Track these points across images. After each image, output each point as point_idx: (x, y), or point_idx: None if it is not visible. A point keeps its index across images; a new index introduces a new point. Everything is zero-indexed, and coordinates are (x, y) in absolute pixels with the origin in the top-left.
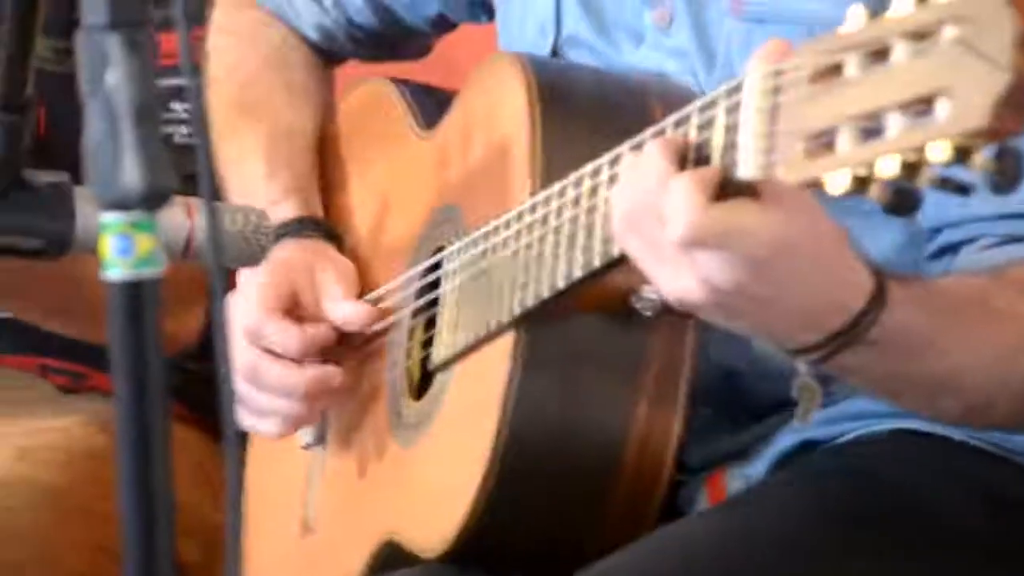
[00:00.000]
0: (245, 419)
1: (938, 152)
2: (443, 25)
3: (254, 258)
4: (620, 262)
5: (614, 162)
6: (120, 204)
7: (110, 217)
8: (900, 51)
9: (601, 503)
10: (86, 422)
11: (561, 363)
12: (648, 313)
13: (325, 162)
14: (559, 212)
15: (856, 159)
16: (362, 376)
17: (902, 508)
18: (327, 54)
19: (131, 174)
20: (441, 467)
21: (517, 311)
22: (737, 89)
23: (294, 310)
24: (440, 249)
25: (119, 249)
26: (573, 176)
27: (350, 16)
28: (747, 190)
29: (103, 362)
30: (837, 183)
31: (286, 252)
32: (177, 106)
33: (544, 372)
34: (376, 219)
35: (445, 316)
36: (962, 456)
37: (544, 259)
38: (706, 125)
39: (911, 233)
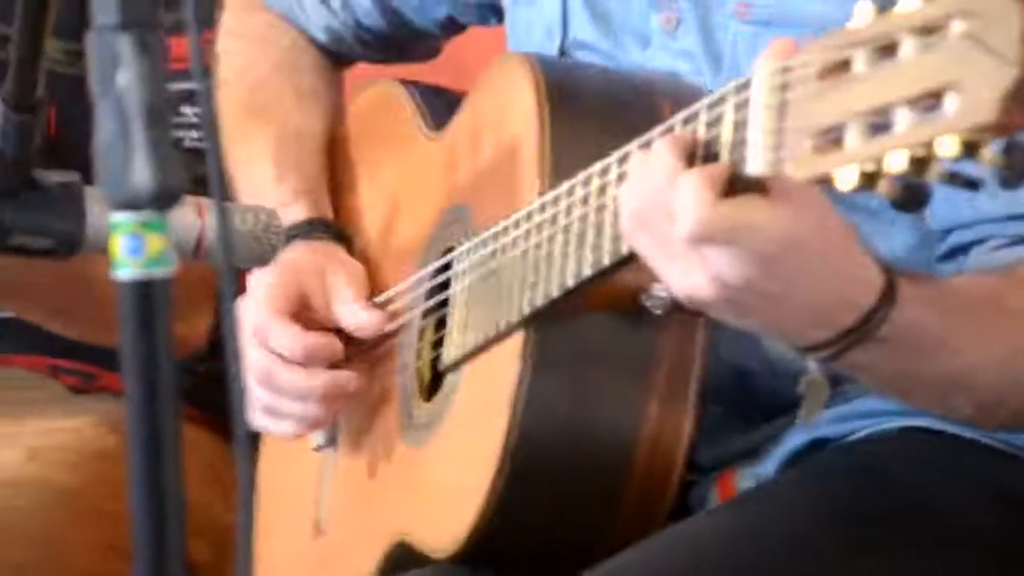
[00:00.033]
0: (259, 421)
1: (946, 147)
2: (452, 28)
3: (265, 258)
4: (629, 260)
5: (623, 160)
6: (130, 204)
7: (121, 217)
8: (908, 46)
9: (612, 503)
10: (97, 422)
11: (571, 362)
12: (658, 311)
13: (334, 164)
14: (568, 211)
15: (864, 155)
16: (373, 378)
17: (911, 506)
18: (336, 56)
19: (141, 174)
20: (452, 468)
21: (527, 310)
22: (745, 86)
23: (303, 312)
24: (450, 250)
25: (130, 249)
26: (582, 175)
27: (358, 18)
28: (756, 186)
29: (113, 362)
30: (845, 179)
31: (296, 254)
32: (187, 110)
33: (554, 371)
34: (385, 220)
35: (455, 316)
36: (972, 454)
37: (553, 258)
38: (715, 122)
39: (922, 234)
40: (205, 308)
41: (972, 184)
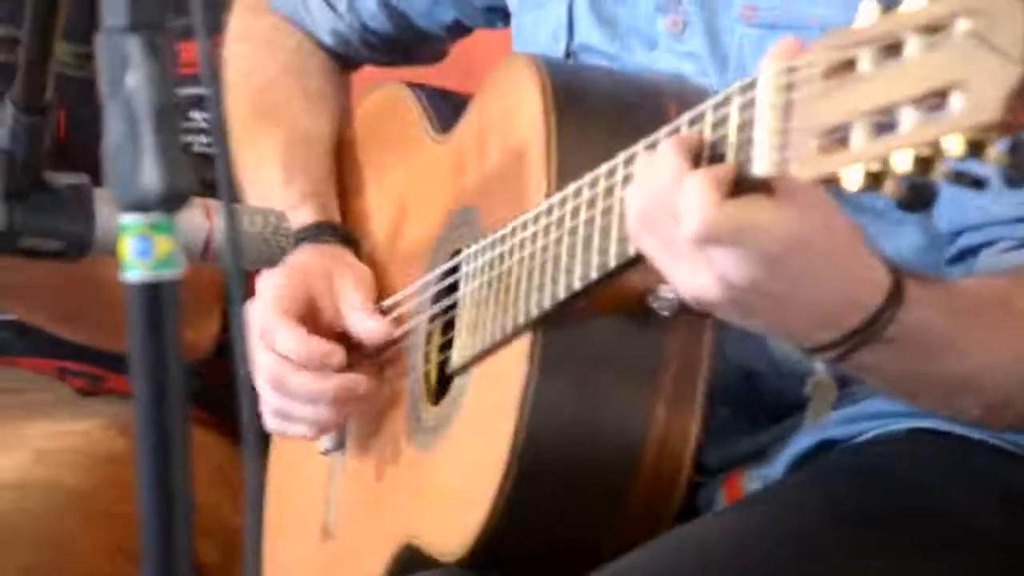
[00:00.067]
0: (270, 424)
1: (951, 146)
2: (458, 31)
3: (273, 260)
4: (636, 262)
5: (629, 162)
6: (139, 206)
7: (129, 219)
8: (913, 45)
9: (619, 505)
10: (106, 425)
11: (578, 365)
12: (665, 313)
13: (341, 167)
14: (575, 213)
15: (870, 154)
16: (381, 381)
17: (918, 507)
18: (343, 59)
19: (150, 176)
20: (460, 471)
21: (534, 313)
22: (751, 86)
23: (311, 315)
24: (457, 252)
25: (138, 251)
26: (588, 177)
27: (365, 22)
28: (761, 187)
29: (121, 365)
30: (851, 179)
31: (303, 257)
32: (196, 115)
33: (561, 374)
34: (393, 223)
35: (463, 319)
36: (980, 455)
37: (560, 260)
38: (720, 123)
39: (930, 236)
40: (214, 311)
41: (978, 183)
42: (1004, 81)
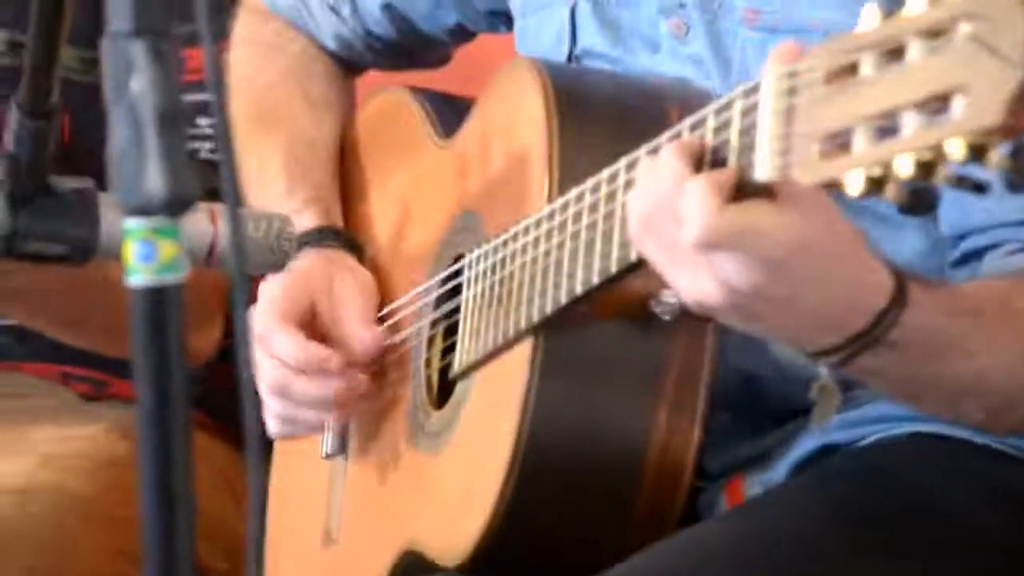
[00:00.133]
0: (273, 428)
1: (953, 150)
2: (462, 35)
3: (277, 265)
4: (638, 267)
5: (631, 166)
6: (143, 210)
7: (133, 223)
8: (915, 50)
9: (621, 510)
10: (108, 429)
11: (580, 369)
12: (667, 317)
13: (344, 171)
14: (577, 217)
15: (872, 159)
16: (383, 385)
17: (919, 509)
18: (346, 64)
19: (154, 180)
20: (462, 475)
21: (536, 317)
22: (752, 91)
23: (311, 321)
24: (460, 257)
25: (142, 255)
26: (590, 182)
27: (368, 27)
28: (763, 191)
29: (124, 369)
30: (853, 184)
31: (306, 262)
32: (202, 121)
33: (563, 378)
34: (396, 228)
35: (465, 324)
36: (981, 458)
37: (562, 265)
38: (722, 127)
39: (932, 239)
40: (217, 316)
41: (979, 187)
42: (1005, 85)
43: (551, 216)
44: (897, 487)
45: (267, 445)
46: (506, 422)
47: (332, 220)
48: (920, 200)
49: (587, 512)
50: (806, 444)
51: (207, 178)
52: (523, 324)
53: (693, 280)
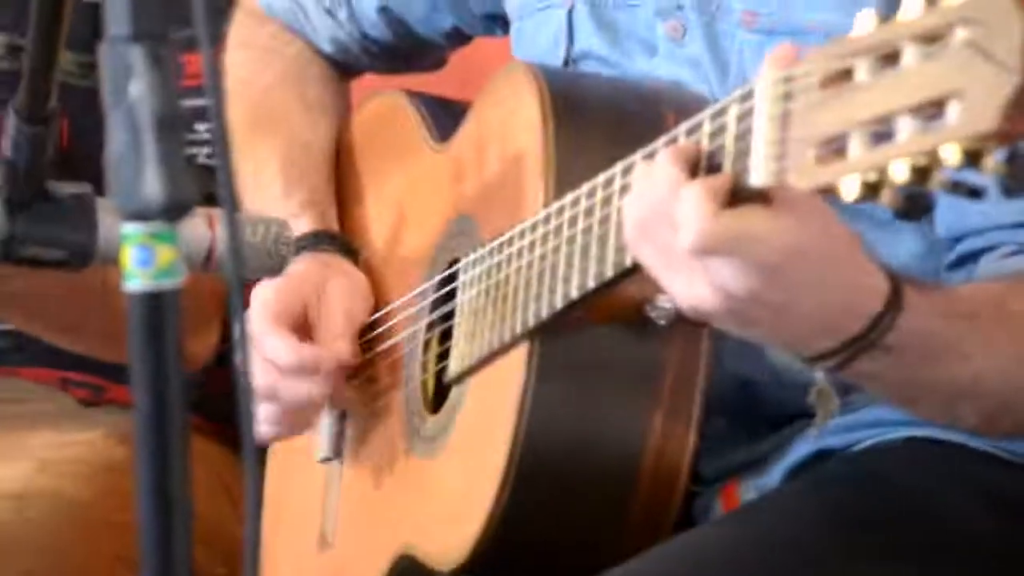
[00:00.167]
0: (264, 431)
1: (949, 155)
2: (458, 38)
3: (274, 269)
4: (633, 272)
5: (627, 171)
6: (141, 215)
7: (131, 228)
8: (910, 54)
9: (617, 515)
10: (107, 435)
11: (576, 374)
12: (662, 322)
13: (340, 175)
14: (572, 222)
15: (867, 164)
16: (378, 390)
17: (914, 513)
18: (343, 67)
19: (152, 185)
20: (457, 480)
21: (531, 322)
22: (748, 96)
23: (304, 324)
24: (455, 261)
25: (139, 260)
26: (586, 186)
27: (364, 30)
28: (759, 197)
29: (122, 375)
30: (848, 189)
31: (301, 266)
32: (201, 127)
33: (558, 383)
34: (391, 231)
35: (461, 328)
36: (976, 462)
37: (558, 270)
38: (718, 132)
39: (928, 242)
40: (214, 321)
41: (975, 193)
42: (1001, 90)
43: (547, 220)
44: (892, 491)
45: (262, 448)
46: (502, 426)
47: (328, 224)
48: (915, 205)
49: (583, 517)
50: (801, 449)
51: (205, 183)
52: (519, 328)
53: (689, 285)
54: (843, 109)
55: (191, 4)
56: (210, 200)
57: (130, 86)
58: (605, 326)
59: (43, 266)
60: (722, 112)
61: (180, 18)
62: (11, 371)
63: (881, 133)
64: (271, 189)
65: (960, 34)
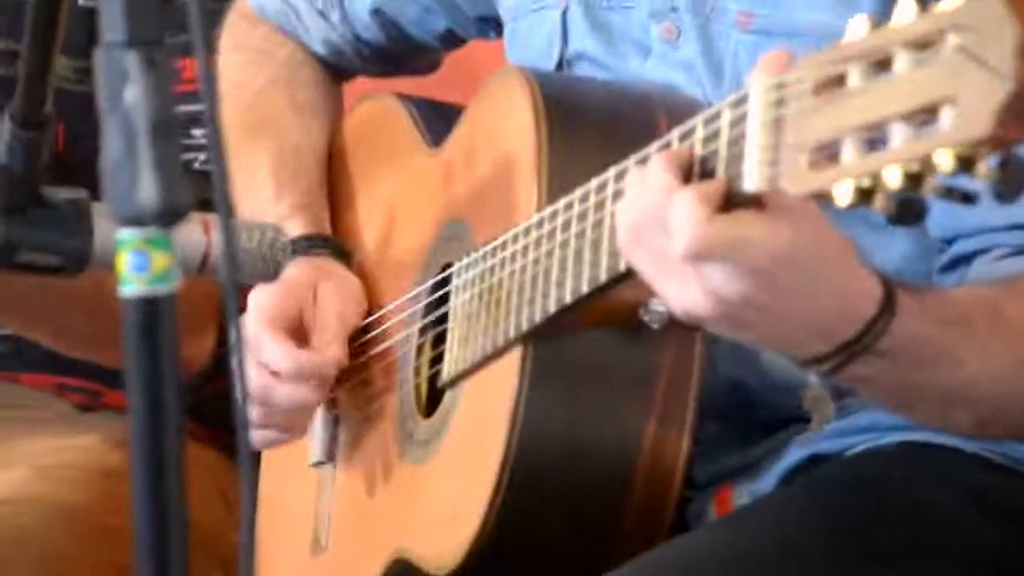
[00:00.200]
0: (256, 437)
1: (942, 161)
2: (451, 41)
3: (270, 274)
4: (627, 276)
5: (620, 176)
6: (136, 220)
7: (126, 233)
8: (903, 61)
9: (611, 520)
10: (103, 440)
11: (569, 378)
12: (656, 326)
13: (332, 178)
14: (566, 227)
15: (860, 170)
16: (372, 394)
17: (908, 517)
18: (335, 69)
19: (147, 191)
20: (451, 484)
21: (525, 327)
22: (741, 102)
23: (299, 329)
24: (448, 265)
25: (135, 265)
26: (579, 191)
27: (357, 32)
28: (752, 202)
29: (118, 380)
30: (842, 195)
31: (294, 270)
32: (197, 132)
33: (552, 388)
34: (384, 235)
35: (454, 332)
36: (969, 466)
37: (551, 274)
38: (711, 138)
39: (921, 245)
40: (210, 327)
41: (968, 198)
42: (994, 96)
43: (540, 225)
44: (886, 496)
45: (256, 453)
46: (496, 430)
47: (320, 226)
48: (909, 211)
49: (577, 521)
50: (795, 454)
51: (201, 188)
52: (512, 333)
53: (682, 290)
54: (836, 115)
55: (186, 10)
56: (206, 205)
57: (126, 92)
58: (599, 330)
59: (39, 272)
60: (715, 117)
61: (175, 24)
62: (10, 376)
63: (874, 139)
64: (263, 192)
65: (952, 40)
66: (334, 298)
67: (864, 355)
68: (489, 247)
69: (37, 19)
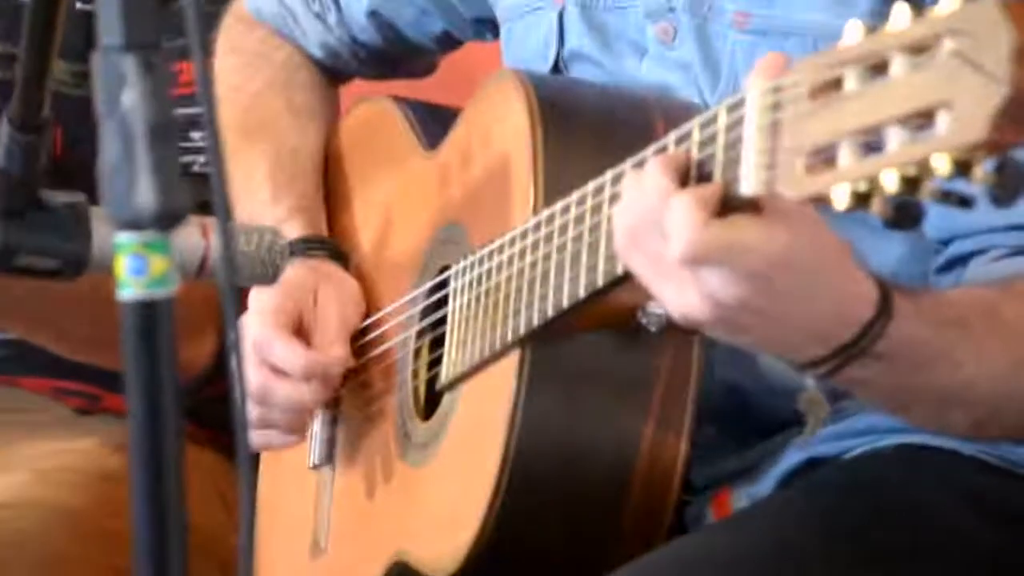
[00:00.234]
0: (256, 437)
1: (939, 165)
2: (448, 43)
3: (268, 278)
4: (624, 280)
5: (616, 179)
6: (134, 224)
7: (124, 237)
8: (899, 65)
9: (609, 523)
10: (102, 444)
11: (567, 381)
12: (653, 328)
13: (328, 181)
14: (563, 230)
15: (857, 174)
16: (370, 396)
17: (906, 519)
18: (332, 72)
19: (145, 195)
20: (450, 487)
21: (523, 330)
22: (737, 105)
23: (301, 330)
24: (446, 268)
25: (133, 269)
26: (576, 194)
27: (354, 34)
28: (749, 206)
29: (117, 383)
30: (838, 198)
31: (293, 272)
32: (195, 135)
33: (550, 391)
34: (380, 237)
35: (452, 335)
36: (967, 468)
37: (549, 277)
38: (708, 141)
39: (920, 246)
40: (210, 329)
41: (965, 202)
42: (989, 101)
43: (537, 228)
44: (883, 498)
45: (255, 455)
46: (494, 433)
47: (317, 229)
48: (906, 214)
49: (575, 524)
50: (793, 457)
51: (199, 192)
52: (510, 336)
53: (679, 294)
54: (832, 119)
55: (183, 13)
56: (204, 208)
57: (123, 95)
58: (596, 333)
59: (37, 275)
60: (712, 121)
61: (172, 27)
62: (11, 380)
63: (871, 143)
64: (260, 195)
65: (948, 45)
66: (334, 300)
67: (861, 358)
68: (486, 250)
69: (35, 23)
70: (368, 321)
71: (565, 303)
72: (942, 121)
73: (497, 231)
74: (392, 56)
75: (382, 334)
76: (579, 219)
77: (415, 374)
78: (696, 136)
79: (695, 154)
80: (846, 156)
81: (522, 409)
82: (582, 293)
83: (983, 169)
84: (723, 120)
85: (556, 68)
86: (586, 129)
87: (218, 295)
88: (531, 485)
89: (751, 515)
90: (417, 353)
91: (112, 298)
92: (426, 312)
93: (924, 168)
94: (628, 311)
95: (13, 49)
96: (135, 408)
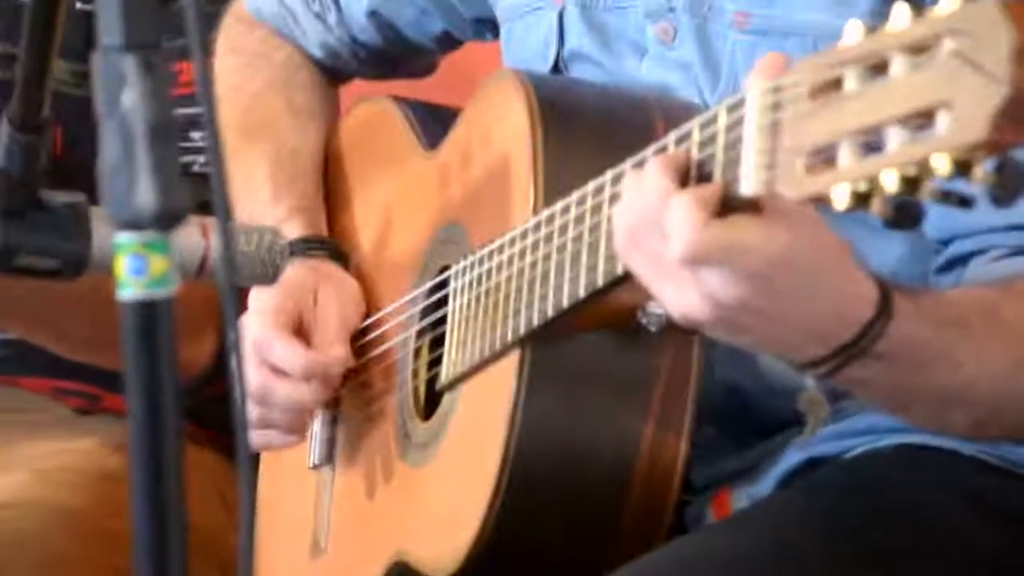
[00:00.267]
0: (256, 437)
1: (939, 165)
2: (448, 43)
3: (268, 278)
4: (624, 280)
5: (616, 180)
6: (134, 224)
7: (124, 237)
8: (899, 65)
9: (610, 522)
10: (102, 444)
11: (567, 381)
12: (653, 328)
13: (328, 180)
14: (563, 230)
15: (857, 174)
16: (370, 396)
17: (906, 519)
18: (332, 72)
19: (145, 195)
20: (450, 487)
21: (523, 330)
22: (737, 106)
23: (301, 330)
24: (446, 267)
25: (133, 269)
26: (576, 194)
27: (354, 34)
28: (749, 206)
29: (117, 383)
30: (838, 198)
31: (293, 272)
32: (195, 135)
33: (550, 391)
34: (380, 237)
35: (452, 335)
36: (967, 468)
37: (548, 277)
38: (708, 141)
39: (920, 245)
40: (210, 329)
41: (965, 202)
42: (989, 101)
43: (537, 228)
44: (883, 498)
45: (255, 455)
46: (494, 433)
47: (317, 229)
48: (906, 214)
49: (575, 524)
50: (793, 457)
51: (199, 192)
52: (510, 336)
53: (679, 294)
54: (832, 119)
55: (183, 13)
56: (204, 208)
57: (123, 95)
58: (596, 333)
59: (37, 275)
60: (712, 121)
61: (172, 27)
62: (12, 380)
63: (871, 143)
64: (260, 195)
65: (948, 45)
66: (334, 300)
67: (861, 358)
68: (486, 250)
69: (35, 23)
70: (368, 321)
71: (565, 303)
72: (942, 121)
73: (497, 231)
74: (392, 56)
75: (382, 334)
76: (579, 219)
77: (415, 374)
78: (696, 136)
79: (695, 154)
80: (846, 156)
81: (522, 409)
82: (582, 293)
83: (983, 169)
84: (723, 120)
85: (556, 68)
86: (586, 129)
87: (218, 295)
88: (531, 485)
89: (751, 515)
90: (417, 353)
91: (112, 298)
92: (426, 312)
93: (924, 168)
94: (628, 311)
95: (13, 49)
96: (135, 408)
